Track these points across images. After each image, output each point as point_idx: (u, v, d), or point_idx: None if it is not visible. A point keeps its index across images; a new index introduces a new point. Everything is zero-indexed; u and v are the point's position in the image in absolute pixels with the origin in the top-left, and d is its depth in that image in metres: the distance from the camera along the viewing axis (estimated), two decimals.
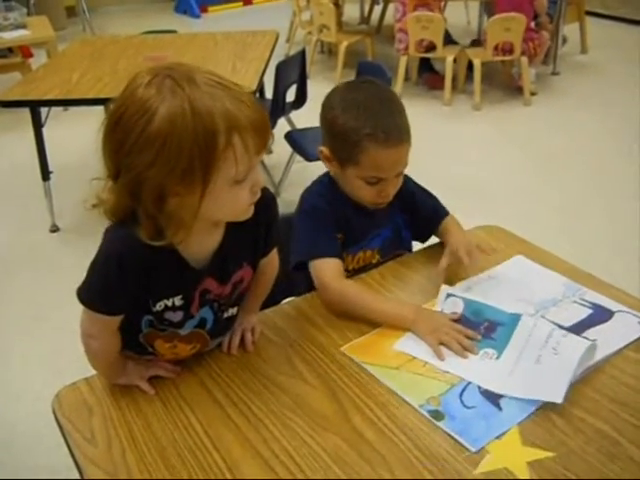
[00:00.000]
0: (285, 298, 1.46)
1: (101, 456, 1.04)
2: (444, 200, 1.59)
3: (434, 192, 1.59)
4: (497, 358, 1.20)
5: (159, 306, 1.11)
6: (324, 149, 1.42)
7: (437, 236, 1.55)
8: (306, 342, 1.27)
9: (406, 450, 1.03)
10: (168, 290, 1.11)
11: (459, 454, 1.02)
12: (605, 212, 3.34)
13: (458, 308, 1.31)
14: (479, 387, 1.14)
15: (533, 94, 4.79)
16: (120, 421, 1.11)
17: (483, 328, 1.26)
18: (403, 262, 1.52)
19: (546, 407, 1.09)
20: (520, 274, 1.43)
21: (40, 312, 2.72)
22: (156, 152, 0.93)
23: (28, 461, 2.00)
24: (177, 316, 1.14)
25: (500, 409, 1.09)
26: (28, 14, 5.39)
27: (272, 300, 1.40)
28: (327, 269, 1.36)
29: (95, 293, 1.08)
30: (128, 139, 0.95)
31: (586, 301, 1.34)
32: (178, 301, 1.12)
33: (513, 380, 1.15)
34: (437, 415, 1.09)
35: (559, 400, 1.08)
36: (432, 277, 1.43)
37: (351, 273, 1.48)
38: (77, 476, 1.06)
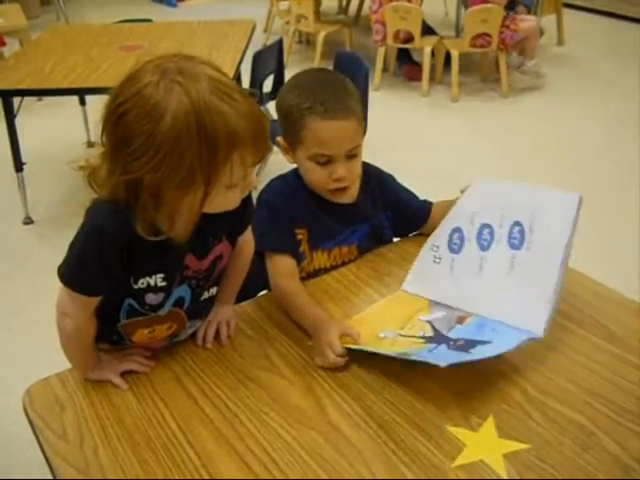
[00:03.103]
0: (261, 291, 1.45)
1: (73, 453, 1.03)
2: (420, 191, 1.58)
3: (410, 182, 1.58)
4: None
5: (141, 283, 1.10)
6: (280, 139, 1.41)
7: (433, 225, 1.50)
8: (282, 336, 1.26)
9: (382, 444, 1.02)
10: (151, 267, 1.10)
11: (436, 447, 1.01)
12: (583, 205, 3.36)
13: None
14: (448, 345, 1.16)
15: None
16: (92, 417, 1.09)
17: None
18: (378, 253, 1.51)
19: (519, 395, 1.10)
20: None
21: (13, 306, 2.68)
22: (160, 159, 0.94)
23: (1, 458, 1.97)
24: (158, 298, 1.13)
25: (469, 352, 1.12)
26: (1, 1, 5.30)
27: (248, 293, 1.39)
28: (276, 265, 1.36)
29: (76, 271, 1.07)
30: (131, 140, 0.95)
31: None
32: (160, 281, 1.11)
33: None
34: (405, 354, 1.13)
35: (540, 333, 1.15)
36: (406, 267, 1.43)
37: (328, 270, 1.47)
38: (49, 474, 1.04)
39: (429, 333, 1.21)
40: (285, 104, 1.36)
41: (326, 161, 1.34)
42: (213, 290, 1.23)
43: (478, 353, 1.11)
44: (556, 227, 1.23)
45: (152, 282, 1.11)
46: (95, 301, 1.10)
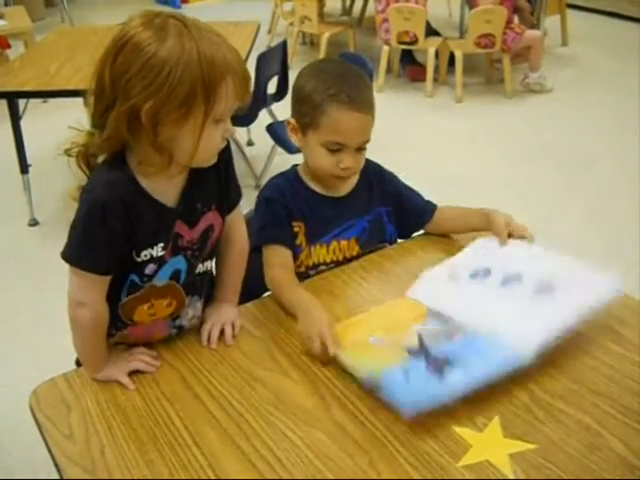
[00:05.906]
0: (266, 291, 1.45)
1: (79, 453, 1.03)
2: (423, 191, 1.59)
3: (414, 183, 1.59)
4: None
5: (144, 255, 1.12)
6: (291, 119, 1.42)
7: (438, 229, 1.56)
8: (287, 335, 1.26)
9: (387, 443, 1.03)
10: (150, 235, 1.12)
11: (441, 447, 1.01)
12: (585, 204, 3.36)
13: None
14: (427, 361, 1.10)
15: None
16: (99, 417, 1.09)
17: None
18: (384, 254, 1.52)
19: (521, 396, 1.10)
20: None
21: (19, 306, 2.68)
22: (163, 78, 0.98)
23: (6, 458, 1.98)
24: (154, 267, 1.15)
25: (442, 378, 1.07)
26: (5, 4, 5.32)
27: (252, 293, 1.39)
28: (270, 256, 1.40)
29: (83, 250, 1.08)
30: (133, 65, 1.00)
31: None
32: (160, 251, 1.13)
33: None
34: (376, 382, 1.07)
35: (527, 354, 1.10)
36: (411, 269, 1.43)
37: (330, 265, 1.48)
38: (56, 473, 1.04)
39: (415, 345, 1.15)
40: (306, 87, 1.38)
41: (337, 149, 1.37)
42: (208, 264, 1.25)
43: (449, 384, 1.06)
44: (584, 298, 1.22)
45: (154, 253, 1.13)
46: (107, 280, 1.12)
